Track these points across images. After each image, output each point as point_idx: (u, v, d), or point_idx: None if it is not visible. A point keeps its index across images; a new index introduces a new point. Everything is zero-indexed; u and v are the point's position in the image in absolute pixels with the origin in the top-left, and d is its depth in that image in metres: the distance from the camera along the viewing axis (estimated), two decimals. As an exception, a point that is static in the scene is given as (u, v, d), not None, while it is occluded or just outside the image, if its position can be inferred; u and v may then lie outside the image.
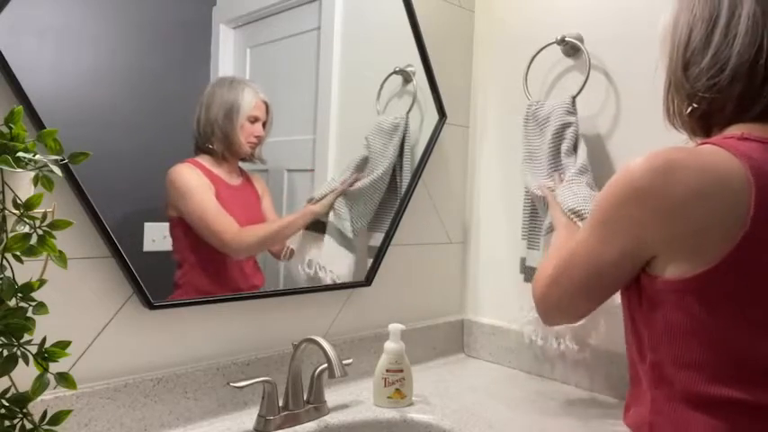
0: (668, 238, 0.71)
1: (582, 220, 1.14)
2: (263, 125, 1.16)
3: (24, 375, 0.67)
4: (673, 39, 0.81)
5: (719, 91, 0.75)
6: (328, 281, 1.30)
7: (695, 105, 0.78)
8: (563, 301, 0.88)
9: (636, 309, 0.78)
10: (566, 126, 1.28)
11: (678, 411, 0.72)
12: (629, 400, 0.82)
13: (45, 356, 0.68)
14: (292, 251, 1.26)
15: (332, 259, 1.30)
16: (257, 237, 1.20)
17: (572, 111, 1.29)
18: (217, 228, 1.11)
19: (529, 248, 1.35)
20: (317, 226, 1.30)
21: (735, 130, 0.75)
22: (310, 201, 1.28)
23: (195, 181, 1.09)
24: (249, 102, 1.14)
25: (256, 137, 1.16)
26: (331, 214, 1.30)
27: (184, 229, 1.06)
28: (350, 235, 1.33)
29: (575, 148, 1.28)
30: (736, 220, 0.67)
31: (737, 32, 0.73)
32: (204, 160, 1.10)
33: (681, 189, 0.69)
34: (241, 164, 1.17)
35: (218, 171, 1.12)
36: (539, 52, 1.41)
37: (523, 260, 1.37)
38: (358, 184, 1.34)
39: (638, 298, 0.78)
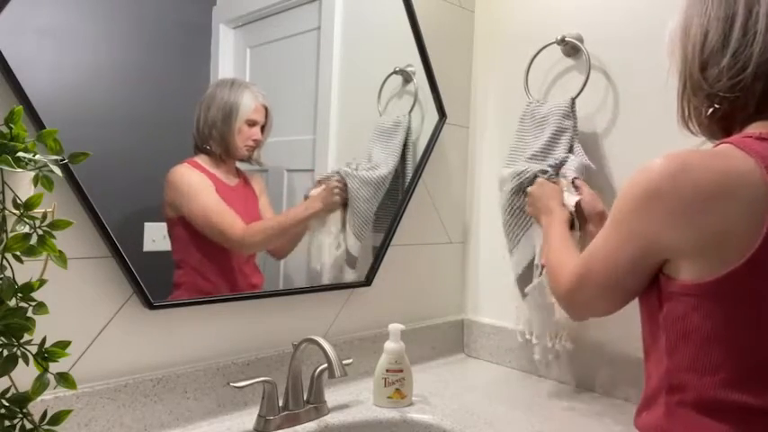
0: (685, 241, 0.70)
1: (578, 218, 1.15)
2: (262, 129, 1.16)
3: (24, 375, 0.67)
4: (684, 41, 0.80)
5: (742, 89, 0.74)
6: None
7: (716, 106, 0.77)
8: (588, 301, 0.87)
9: (654, 311, 0.77)
10: (562, 131, 1.28)
11: (691, 417, 0.72)
12: (642, 403, 0.81)
13: (45, 356, 0.68)
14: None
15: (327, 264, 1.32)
16: (263, 233, 1.21)
17: (569, 114, 1.29)
18: (224, 226, 1.12)
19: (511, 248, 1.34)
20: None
21: (754, 129, 0.74)
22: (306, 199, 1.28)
23: (197, 181, 1.09)
24: (248, 105, 1.14)
25: (254, 140, 1.15)
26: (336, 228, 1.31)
27: (183, 228, 1.06)
28: (356, 254, 1.34)
29: (570, 152, 1.28)
30: (753, 222, 0.66)
31: (757, 30, 0.73)
32: (202, 160, 1.10)
33: (696, 190, 0.68)
34: (239, 164, 1.17)
35: (217, 171, 1.12)
36: (539, 52, 1.41)
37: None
38: (364, 174, 1.33)
39: (656, 300, 0.77)
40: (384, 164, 1.38)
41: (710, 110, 0.78)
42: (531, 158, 1.30)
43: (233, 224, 1.13)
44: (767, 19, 0.73)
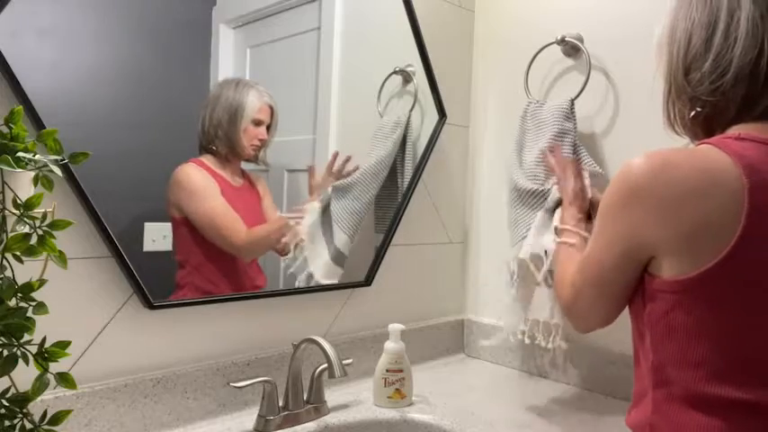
0: (665, 238, 0.72)
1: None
2: (268, 128, 1.16)
3: (24, 375, 0.67)
4: (670, 46, 0.82)
5: (723, 93, 0.76)
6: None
7: (699, 109, 0.79)
8: (588, 307, 0.87)
9: (639, 309, 0.79)
10: (564, 133, 1.28)
11: (678, 412, 0.73)
12: (632, 402, 0.83)
13: (45, 356, 0.68)
14: (301, 241, 1.25)
15: (320, 270, 1.30)
16: (262, 237, 1.20)
17: (570, 116, 1.29)
18: (227, 232, 1.11)
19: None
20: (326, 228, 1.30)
21: (734, 130, 0.76)
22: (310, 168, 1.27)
23: (203, 182, 1.09)
24: (253, 105, 1.14)
25: (260, 140, 1.15)
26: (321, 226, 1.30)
27: (188, 228, 1.06)
28: (346, 252, 1.32)
29: (575, 155, 1.28)
30: (731, 219, 0.68)
31: (738, 36, 0.74)
32: (208, 160, 1.10)
33: (675, 188, 0.70)
34: (243, 165, 1.17)
35: (222, 172, 1.12)
36: (539, 52, 1.41)
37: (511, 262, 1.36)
38: (356, 174, 1.32)
39: (640, 298, 0.78)
40: (377, 157, 1.37)
41: (693, 112, 0.80)
42: (534, 163, 1.30)
43: (237, 229, 1.13)
44: (747, 24, 0.74)
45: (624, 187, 0.75)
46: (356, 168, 1.32)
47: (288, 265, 1.25)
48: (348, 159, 1.31)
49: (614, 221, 0.77)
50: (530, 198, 1.30)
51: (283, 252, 1.25)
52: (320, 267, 1.30)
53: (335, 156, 1.29)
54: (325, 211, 1.30)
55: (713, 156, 0.71)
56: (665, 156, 0.73)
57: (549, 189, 1.26)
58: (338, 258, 1.32)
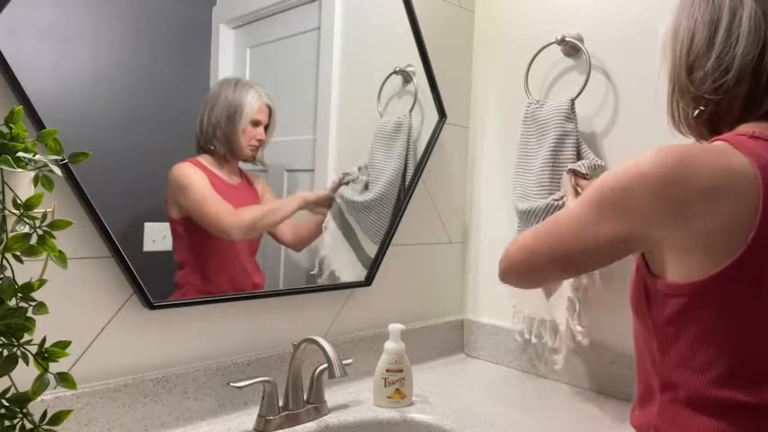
0: (673, 237, 0.70)
1: None
2: (266, 129, 1.16)
3: (24, 375, 0.67)
4: (674, 45, 0.81)
5: (726, 92, 0.75)
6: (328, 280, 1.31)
7: (702, 108, 0.78)
8: (534, 266, 0.86)
9: (643, 311, 0.78)
10: (566, 135, 1.28)
11: (684, 415, 0.72)
12: (636, 402, 0.82)
13: (45, 356, 0.68)
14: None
15: (342, 266, 1.33)
16: (251, 216, 1.18)
17: (571, 117, 1.29)
18: (213, 211, 1.11)
19: None
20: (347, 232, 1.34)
21: (746, 128, 0.74)
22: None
23: (194, 175, 1.09)
24: (252, 105, 1.14)
25: (258, 140, 1.16)
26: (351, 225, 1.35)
27: (186, 228, 1.07)
28: (371, 254, 1.37)
29: (577, 157, 1.28)
30: (744, 220, 0.66)
31: (740, 33, 0.74)
32: (205, 160, 1.10)
33: (691, 187, 0.68)
34: (242, 164, 1.17)
35: (219, 171, 1.12)
36: (539, 52, 1.41)
37: None
38: (369, 196, 1.36)
39: (644, 301, 0.77)
40: (388, 169, 1.39)
41: (696, 111, 0.79)
42: (540, 169, 1.30)
43: (223, 210, 1.12)
44: (750, 22, 0.74)
45: (633, 176, 0.71)
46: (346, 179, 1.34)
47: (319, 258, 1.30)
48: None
49: (615, 203, 0.73)
50: (531, 216, 1.30)
51: (298, 247, 1.28)
52: (345, 268, 1.34)
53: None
54: (342, 217, 1.33)
55: (730, 154, 0.69)
56: (678, 152, 0.70)
57: (552, 205, 1.26)
58: (366, 261, 1.37)
